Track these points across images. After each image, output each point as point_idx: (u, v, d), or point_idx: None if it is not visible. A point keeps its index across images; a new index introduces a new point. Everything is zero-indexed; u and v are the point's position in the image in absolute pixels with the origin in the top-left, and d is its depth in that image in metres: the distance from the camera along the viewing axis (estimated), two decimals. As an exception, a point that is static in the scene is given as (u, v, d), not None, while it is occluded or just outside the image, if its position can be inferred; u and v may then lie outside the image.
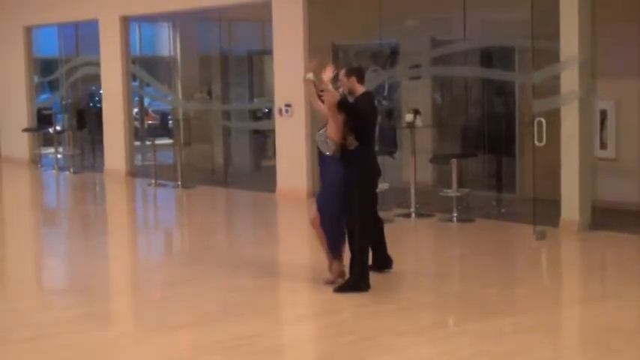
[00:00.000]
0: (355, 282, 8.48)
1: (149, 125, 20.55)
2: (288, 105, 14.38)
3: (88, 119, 19.66)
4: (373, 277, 8.62)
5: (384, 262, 9.17)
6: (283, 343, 7.36)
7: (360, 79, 8.80)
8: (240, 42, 18.65)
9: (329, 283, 8.64)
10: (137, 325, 8.00)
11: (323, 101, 8.64)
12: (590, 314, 7.93)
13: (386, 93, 15.47)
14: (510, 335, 7.32)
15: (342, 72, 8.72)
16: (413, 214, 12.52)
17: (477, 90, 14.36)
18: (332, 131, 8.46)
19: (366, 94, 8.78)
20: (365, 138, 8.60)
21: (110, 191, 17.42)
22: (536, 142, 11.06)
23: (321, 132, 8.60)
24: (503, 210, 12.97)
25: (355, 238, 8.57)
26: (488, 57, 14.10)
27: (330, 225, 8.62)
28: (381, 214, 12.34)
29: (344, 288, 8.48)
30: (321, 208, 8.64)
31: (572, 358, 6.83)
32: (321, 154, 8.66)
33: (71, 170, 19.04)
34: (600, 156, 12.40)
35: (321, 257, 10.06)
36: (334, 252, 8.70)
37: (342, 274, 8.71)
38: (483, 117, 14.32)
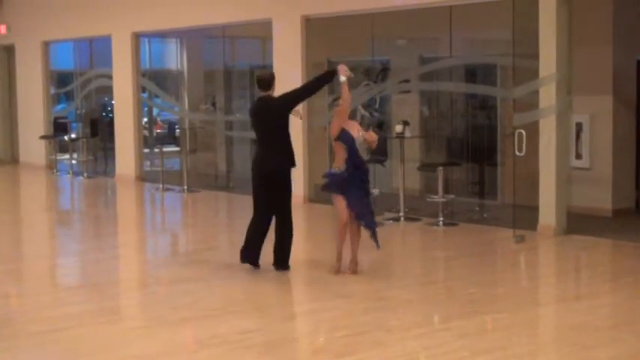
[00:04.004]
0: None
1: (157, 134, 20.53)
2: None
3: (100, 128, 19.64)
4: (364, 276, 8.59)
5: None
6: (281, 338, 7.33)
7: (259, 86, 9.05)
8: (243, 57, 18.66)
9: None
10: (144, 319, 7.98)
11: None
12: (565, 313, 7.93)
13: (377, 105, 15.47)
14: (491, 332, 7.31)
15: None
16: (402, 218, 12.52)
17: (462, 104, 14.38)
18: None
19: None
20: None
21: (120, 195, 17.40)
22: (516, 152, 11.07)
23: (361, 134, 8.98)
24: (485, 215, 12.97)
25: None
26: (472, 73, 14.12)
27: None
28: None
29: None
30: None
31: (547, 354, 6.82)
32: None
33: (84, 175, 19.02)
34: (575, 165, 12.44)
35: (317, 256, 10.09)
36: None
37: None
38: (467, 129, 14.32)
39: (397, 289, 8.82)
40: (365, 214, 8.97)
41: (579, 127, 12.49)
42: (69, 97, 21.22)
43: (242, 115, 18.17)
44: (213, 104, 18.31)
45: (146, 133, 19.39)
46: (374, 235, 9.05)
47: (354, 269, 9.07)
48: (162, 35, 19.10)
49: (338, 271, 9.00)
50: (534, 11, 11.07)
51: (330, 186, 8.99)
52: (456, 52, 13.50)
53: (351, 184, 8.86)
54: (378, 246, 9.11)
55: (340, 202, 8.87)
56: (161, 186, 16.55)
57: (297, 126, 14.15)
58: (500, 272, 9.89)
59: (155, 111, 20.39)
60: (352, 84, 15.28)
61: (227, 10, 15.57)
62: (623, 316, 7.72)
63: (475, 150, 13.76)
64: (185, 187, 16.18)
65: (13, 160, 22.23)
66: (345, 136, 8.82)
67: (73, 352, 6.87)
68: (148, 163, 18.68)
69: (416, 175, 13.85)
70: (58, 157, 20.39)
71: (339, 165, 8.88)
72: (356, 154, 8.90)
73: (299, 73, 14.24)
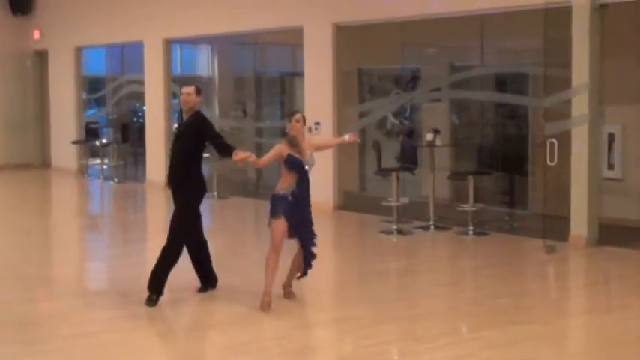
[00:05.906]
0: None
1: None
2: (317, 123, 14.39)
3: (131, 133, 19.77)
4: (391, 284, 8.57)
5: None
6: (308, 345, 7.36)
7: None
8: (273, 64, 18.73)
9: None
10: (172, 325, 8.03)
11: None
12: (595, 324, 7.88)
13: (407, 114, 15.47)
14: (519, 342, 7.27)
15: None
16: (431, 227, 12.50)
17: (492, 112, 14.34)
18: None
19: None
20: None
21: (150, 200, 17.50)
22: (547, 162, 11.03)
23: (313, 155, 8.41)
24: (515, 225, 12.92)
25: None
26: (503, 82, 14.08)
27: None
28: (402, 226, 12.42)
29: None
30: (308, 226, 8.34)
31: (577, 366, 6.81)
32: (305, 176, 8.40)
33: (115, 180, 19.15)
34: (607, 176, 12.36)
35: (344, 264, 10.10)
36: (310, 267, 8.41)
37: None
38: (498, 138, 14.28)
39: (426, 298, 8.81)
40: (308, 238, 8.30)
41: (611, 137, 12.42)
42: (100, 102, 21.39)
43: (272, 122, 18.25)
44: (244, 111, 18.40)
45: (176, 139, 19.45)
46: (306, 260, 8.34)
47: (289, 293, 8.50)
48: (193, 42, 19.22)
49: (269, 305, 8.07)
50: (567, 20, 11.03)
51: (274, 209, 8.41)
52: (487, 60, 13.47)
53: (299, 207, 8.32)
54: (304, 273, 8.41)
55: (278, 226, 8.29)
56: (191, 192, 16.57)
57: (326, 133, 14.19)
58: (530, 282, 9.84)
59: (186, 117, 20.47)
60: (382, 92, 15.36)
61: (258, 17, 15.64)
62: (654, 329, 7.66)
63: (505, 159, 13.71)
64: (215, 194, 16.24)
65: (45, 164, 22.43)
66: (291, 162, 8.38)
67: (101, 356, 6.92)
68: (178, 169, 18.72)
69: (446, 184, 13.82)
70: (89, 162, 20.57)
71: (285, 187, 8.45)
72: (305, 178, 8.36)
73: (330, 81, 14.28)
